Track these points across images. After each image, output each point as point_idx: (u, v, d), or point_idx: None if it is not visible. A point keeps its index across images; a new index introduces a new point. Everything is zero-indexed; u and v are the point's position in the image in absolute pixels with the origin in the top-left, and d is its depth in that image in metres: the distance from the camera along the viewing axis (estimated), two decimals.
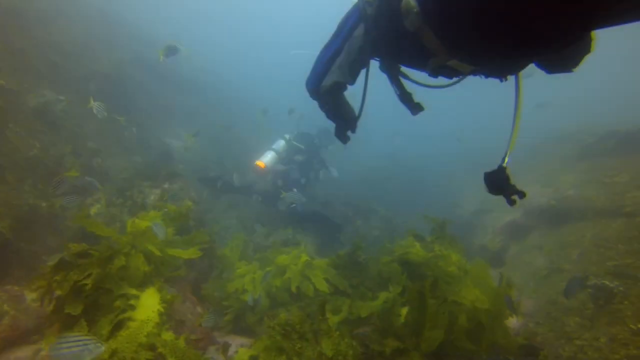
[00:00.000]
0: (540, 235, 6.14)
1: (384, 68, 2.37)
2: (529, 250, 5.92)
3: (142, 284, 3.11)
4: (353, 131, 2.71)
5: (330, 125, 2.73)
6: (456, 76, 2.02)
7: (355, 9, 2.24)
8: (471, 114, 24.75)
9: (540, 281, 4.86)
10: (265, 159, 7.83)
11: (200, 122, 11.94)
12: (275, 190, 7.33)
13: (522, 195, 1.99)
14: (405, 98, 2.32)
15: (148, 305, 2.95)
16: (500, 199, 2.05)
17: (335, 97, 2.50)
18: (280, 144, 8.25)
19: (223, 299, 3.87)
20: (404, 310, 3.13)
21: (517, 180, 2.04)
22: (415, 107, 2.33)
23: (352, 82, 2.43)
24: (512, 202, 2.00)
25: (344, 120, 2.62)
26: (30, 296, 4.36)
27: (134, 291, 2.97)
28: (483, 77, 1.94)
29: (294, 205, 6.43)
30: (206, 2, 31.20)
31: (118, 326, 2.78)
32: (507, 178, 2.03)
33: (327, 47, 2.36)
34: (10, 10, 7.92)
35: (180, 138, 10.45)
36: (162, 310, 2.91)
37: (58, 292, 2.89)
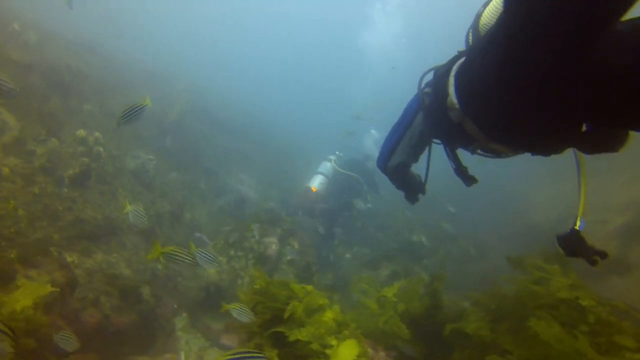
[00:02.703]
0: None
1: (443, 146, 2.62)
2: None
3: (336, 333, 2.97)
4: (423, 193, 2.90)
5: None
6: (501, 156, 2.22)
7: (416, 98, 2.57)
8: None
9: None
10: (315, 183, 7.73)
11: (256, 163, 12.17)
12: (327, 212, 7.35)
13: (604, 255, 1.92)
14: (461, 171, 2.52)
15: (346, 356, 2.80)
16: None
17: (402, 174, 2.77)
18: (327, 166, 8.16)
19: None
20: None
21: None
22: (469, 179, 2.52)
23: (415, 161, 2.76)
24: (594, 263, 1.93)
25: (412, 189, 2.86)
26: None
27: (333, 341, 2.82)
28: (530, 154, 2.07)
29: None
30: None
31: None
32: (582, 240, 2.00)
33: (393, 130, 2.70)
34: (89, 78, 8.35)
35: (245, 183, 10.58)
36: None
37: (256, 341, 2.83)
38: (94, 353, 3.48)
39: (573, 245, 2.01)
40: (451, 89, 2.03)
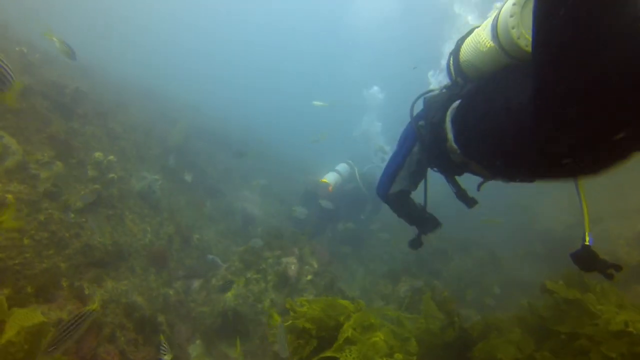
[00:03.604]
0: None
1: (440, 173, 2.70)
2: None
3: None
4: (436, 226, 2.94)
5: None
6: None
7: (411, 128, 2.65)
8: None
9: None
10: (331, 179, 7.86)
11: (257, 179, 11.95)
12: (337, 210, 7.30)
13: (618, 268, 1.94)
14: (461, 195, 2.62)
15: None
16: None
17: (402, 202, 2.84)
18: (345, 167, 8.26)
19: None
20: None
21: None
22: (470, 202, 2.62)
23: (414, 189, 2.84)
24: (610, 277, 1.94)
25: (413, 217, 2.91)
26: None
27: None
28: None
29: None
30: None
31: None
32: (595, 255, 2.02)
33: (392, 159, 2.79)
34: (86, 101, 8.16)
35: (248, 200, 10.35)
36: None
37: None
38: None
39: (587, 261, 2.02)
40: (450, 135, 2.10)
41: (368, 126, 10.56)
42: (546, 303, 3.42)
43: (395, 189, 2.74)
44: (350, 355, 2.50)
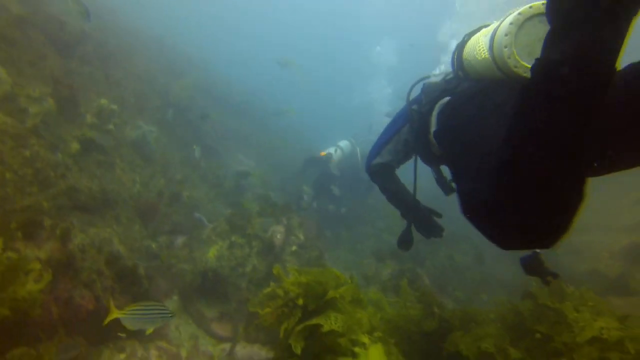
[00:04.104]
0: None
1: (421, 158, 2.71)
2: None
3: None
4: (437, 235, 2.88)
5: None
6: None
7: (405, 110, 2.63)
8: None
9: None
10: (333, 152, 7.90)
11: (254, 144, 11.81)
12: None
13: (556, 276, 2.08)
14: (441, 181, 2.65)
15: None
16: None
17: (384, 174, 2.80)
18: (347, 144, 8.28)
19: None
20: None
21: None
22: (448, 189, 2.62)
23: (397, 166, 2.80)
24: (547, 283, 2.09)
25: (401, 200, 2.85)
26: (184, 353, 4.02)
27: (365, 339, 2.56)
28: None
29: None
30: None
31: None
32: (542, 263, 2.14)
33: (380, 136, 2.77)
34: (85, 41, 7.85)
35: (242, 164, 10.24)
36: None
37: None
38: (80, 336, 3.18)
39: (532, 266, 2.15)
40: (432, 128, 2.17)
41: (377, 93, 10.26)
42: (526, 304, 3.43)
43: (378, 160, 2.73)
44: (336, 323, 2.47)
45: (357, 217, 8.47)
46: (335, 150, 8.15)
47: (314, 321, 2.44)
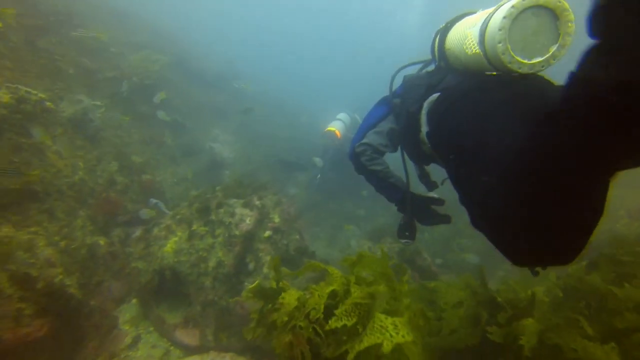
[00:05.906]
0: None
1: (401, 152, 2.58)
2: None
3: None
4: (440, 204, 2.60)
5: None
6: None
7: (388, 99, 2.48)
8: None
9: None
10: (337, 127, 7.62)
11: (232, 119, 10.78)
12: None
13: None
14: (424, 177, 2.65)
15: None
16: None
17: (370, 158, 2.54)
18: (345, 116, 8.05)
19: None
20: None
21: None
22: (431, 185, 2.62)
23: (383, 149, 2.51)
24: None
25: (388, 184, 2.57)
26: None
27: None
28: None
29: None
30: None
31: None
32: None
33: (363, 123, 2.59)
34: (28, 7, 6.67)
35: (218, 140, 9.29)
36: None
37: None
38: None
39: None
40: (423, 128, 2.02)
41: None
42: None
43: (364, 141, 2.52)
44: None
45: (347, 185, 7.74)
46: (340, 125, 7.78)
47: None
